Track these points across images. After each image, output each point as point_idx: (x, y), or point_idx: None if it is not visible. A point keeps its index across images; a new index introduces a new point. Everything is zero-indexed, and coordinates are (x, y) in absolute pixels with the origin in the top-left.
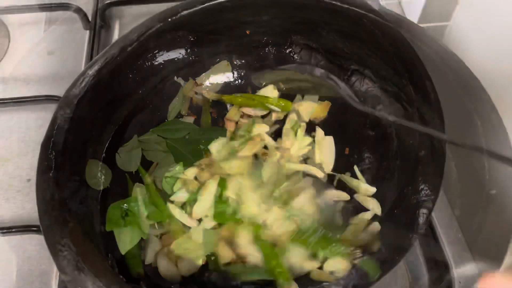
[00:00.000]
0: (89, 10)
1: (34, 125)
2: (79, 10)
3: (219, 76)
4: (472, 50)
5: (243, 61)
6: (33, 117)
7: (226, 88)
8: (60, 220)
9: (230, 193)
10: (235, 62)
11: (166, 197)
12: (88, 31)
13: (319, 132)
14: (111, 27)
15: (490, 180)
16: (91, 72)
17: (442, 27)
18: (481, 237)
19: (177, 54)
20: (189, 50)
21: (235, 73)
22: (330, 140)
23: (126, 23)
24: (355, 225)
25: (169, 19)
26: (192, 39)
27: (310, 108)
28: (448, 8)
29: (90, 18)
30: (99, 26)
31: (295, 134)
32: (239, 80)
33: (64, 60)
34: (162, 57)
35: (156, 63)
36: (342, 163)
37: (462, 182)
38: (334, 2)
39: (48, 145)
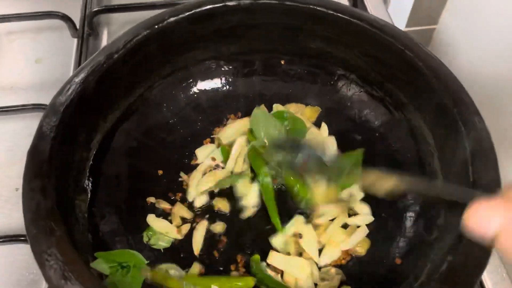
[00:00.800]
0: (76, 18)
1: (22, 134)
2: (66, 18)
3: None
4: (460, 53)
5: (230, 67)
6: (21, 126)
7: (215, 94)
8: (46, 229)
9: None
10: (222, 69)
11: None
12: (76, 39)
13: (324, 127)
14: (99, 35)
15: (474, 183)
16: (77, 79)
17: (429, 31)
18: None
19: (165, 61)
20: (177, 57)
21: (223, 79)
22: (332, 140)
23: (114, 31)
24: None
25: (156, 26)
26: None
27: (298, 109)
28: (435, 12)
29: (78, 26)
30: (87, 34)
31: None
32: (227, 86)
33: (52, 69)
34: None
35: (143, 70)
36: None
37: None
38: (320, 8)
39: (34, 154)
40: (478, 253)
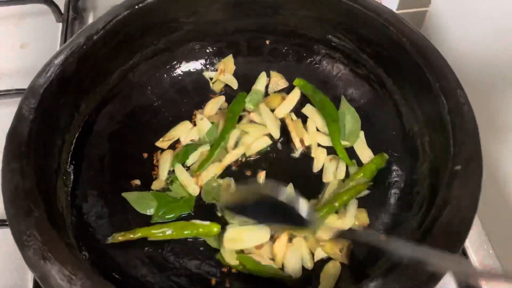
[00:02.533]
0: (61, 2)
1: (6, 120)
2: (50, 2)
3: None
4: (452, 35)
5: (214, 48)
6: (6, 112)
7: (199, 76)
8: (25, 210)
9: None
10: (207, 50)
11: None
12: (61, 24)
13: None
14: (85, 19)
15: (454, 156)
16: (57, 61)
17: (421, 13)
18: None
19: (147, 42)
20: (160, 38)
21: (208, 60)
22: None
23: (100, 15)
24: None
25: (136, 6)
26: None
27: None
28: None
29: (62, 10)
30: (72, 18)
31: None
32: (212, 68)
33: (37, 54)
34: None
35: (125, 51)
36: None
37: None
38: None
39: (13, 135)
40: (457, 227)
